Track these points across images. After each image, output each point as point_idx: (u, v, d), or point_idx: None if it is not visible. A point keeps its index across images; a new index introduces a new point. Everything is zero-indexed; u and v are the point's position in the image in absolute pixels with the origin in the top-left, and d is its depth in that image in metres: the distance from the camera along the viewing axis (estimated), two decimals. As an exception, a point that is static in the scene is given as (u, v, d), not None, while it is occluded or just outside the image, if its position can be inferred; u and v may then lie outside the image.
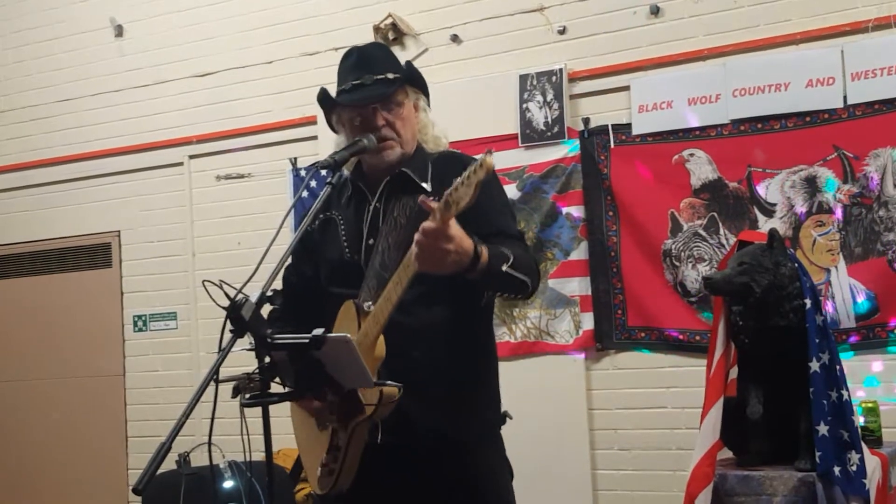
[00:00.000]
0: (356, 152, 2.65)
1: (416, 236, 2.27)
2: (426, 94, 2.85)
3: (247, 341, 2.17)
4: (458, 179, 2.22)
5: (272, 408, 2.24)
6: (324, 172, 2.61)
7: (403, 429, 2.51)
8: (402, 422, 2.48)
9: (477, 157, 2.23)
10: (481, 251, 2.35)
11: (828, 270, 4.73)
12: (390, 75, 2.72)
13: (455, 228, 2.27)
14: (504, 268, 2.42)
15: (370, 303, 2.53)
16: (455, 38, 5.70)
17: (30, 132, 7.03)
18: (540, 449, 5.12)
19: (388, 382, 2.35)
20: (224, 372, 2.18)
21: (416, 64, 2.86)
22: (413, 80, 2.80)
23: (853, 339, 4.66)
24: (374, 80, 2.69)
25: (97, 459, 6.63)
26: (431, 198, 2.28)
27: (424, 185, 2.68)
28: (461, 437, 2.62)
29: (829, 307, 4.63)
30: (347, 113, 2.75)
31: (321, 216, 2.81)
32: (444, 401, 2.58)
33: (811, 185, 4.78)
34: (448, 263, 2.30)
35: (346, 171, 2.83)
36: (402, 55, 5.65)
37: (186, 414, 2.01)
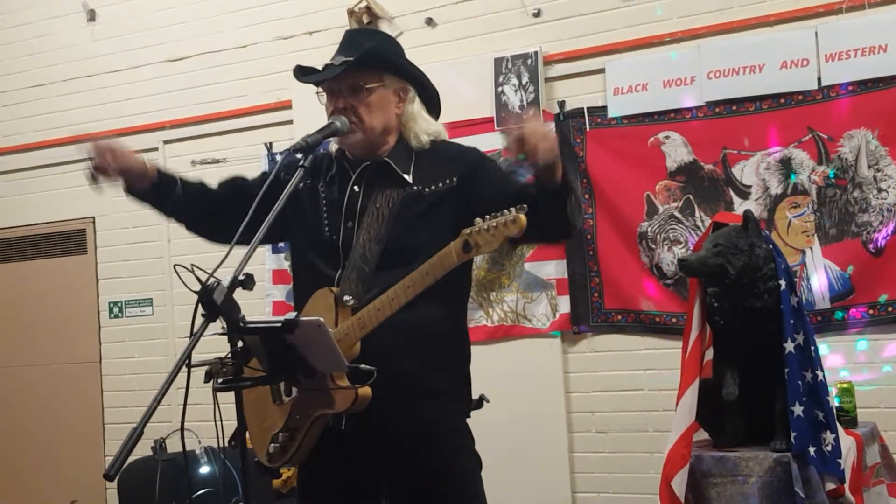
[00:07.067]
0: (328, 135, 2.62)
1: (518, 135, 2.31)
2: (416, 85, 2.77)
3: (219, 325, 2.16)
4: (484, 224, 2.24)
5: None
6: (298, 155, 2.58)
7: (370, 416, 2.47)
8: (368, 409, 2.45)
9: (509, 210, 2.24)
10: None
11: (803, 252, 4.75)
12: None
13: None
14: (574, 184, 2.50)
15: (350, 297, 2.52)
16: (430, 22, 5.68)
17: (1, 118, 6.98)
18: (517, 432, 5.13)
19: (363, 366, 2.33)
20: (199, 357, 2.16)
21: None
22: (395, 69, 2.72)
23: (829, 319, 4.68)
24: (341, 62, 2.64)
25: (75, 447, 6.59)
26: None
27: (406, 176, 2.66)
28: (429, 426, 2.59)
29: (803, 288, 4.65)
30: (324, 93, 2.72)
31: (308, 182, 2.76)
32: (414, 390, 2.56)
33: (786, 166, 4.79)
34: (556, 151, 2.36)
35: (332, 146, 2.80)
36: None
37: (158, 399, 1.99)
